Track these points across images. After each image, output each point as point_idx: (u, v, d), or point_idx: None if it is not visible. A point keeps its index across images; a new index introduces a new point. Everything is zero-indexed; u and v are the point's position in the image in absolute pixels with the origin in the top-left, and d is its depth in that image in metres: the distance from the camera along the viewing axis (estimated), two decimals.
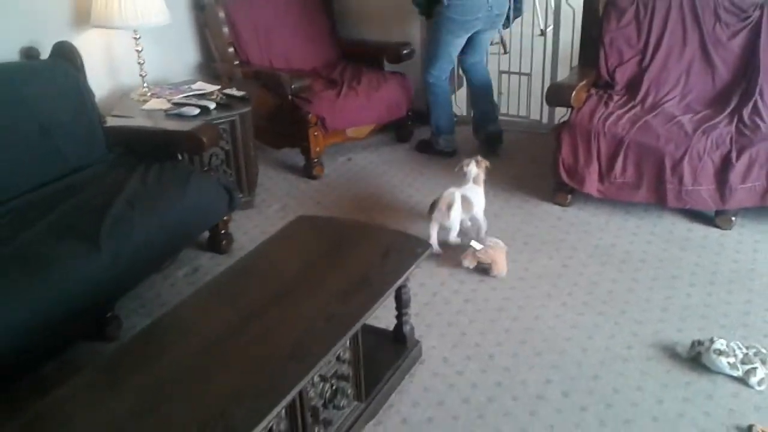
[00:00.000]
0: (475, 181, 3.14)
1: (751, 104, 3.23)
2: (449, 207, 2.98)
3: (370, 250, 2.26)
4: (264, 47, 4.09)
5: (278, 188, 3.78)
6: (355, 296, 2.00)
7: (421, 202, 3.54)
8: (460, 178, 3.16)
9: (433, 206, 3.02)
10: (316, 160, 3.85)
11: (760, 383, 2.21)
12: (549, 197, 3.49)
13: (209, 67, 4.07)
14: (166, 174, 2.76)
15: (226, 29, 3.92)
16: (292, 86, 3.65)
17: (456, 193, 3.02)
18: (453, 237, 3.09)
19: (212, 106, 3.28)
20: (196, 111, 3.22)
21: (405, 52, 4.23)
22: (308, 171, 3.88)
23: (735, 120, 3.16)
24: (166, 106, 3.28)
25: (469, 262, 2.92)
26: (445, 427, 2.11)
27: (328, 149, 3.94)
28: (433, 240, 2.99)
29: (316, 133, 3.75)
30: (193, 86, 3.56)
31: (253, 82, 3.81)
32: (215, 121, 3.16)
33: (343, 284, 2.06)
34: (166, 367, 1.75)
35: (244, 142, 3.33)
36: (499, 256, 2.88)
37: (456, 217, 3.02)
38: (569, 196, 3.42)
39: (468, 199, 3.07)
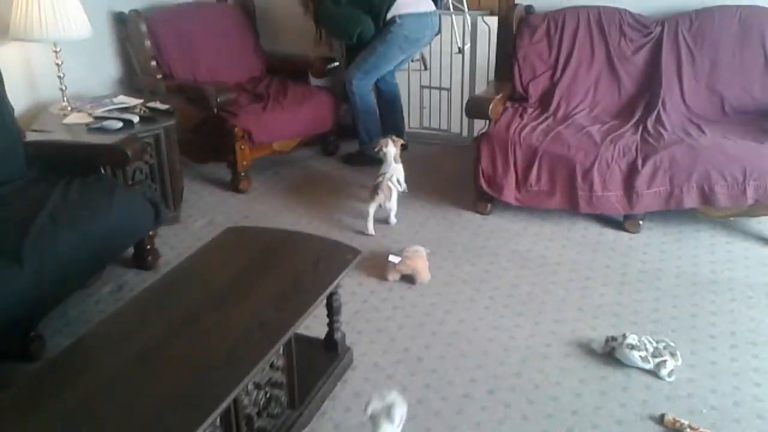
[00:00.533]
0: (395, 160, 3.56)
1: (654, 114, 3.47)
2: (390, 188, 3.37)
3: (301, 258, 2.30)
4: (188, 61, 4.08)
5: (204, 203, 3.77)
6: (288, 303, 2.03)
7: (349, 213, 3.62)
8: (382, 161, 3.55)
9: (376, 189, 3.35)
10: (243, 173, 3.86)
11: (670, 374, 2.36)
12: (470, 206, 3.62)
13: (131, 81, 4.02)
14: (90, 188, 2.72)
15: (148, 42, 3.89)
16: (218, 99, 3.66)
17: (392, 175, 3.44)
18: (393, 217, 3.47)
19: (136, 119, 3.25)
20: (120, 125, 3.18)
21: (330, 67, 4.31)
22: (235, 185, 3.88)
23: (640, 129, 3.39)
24: (88, 120, 3.23)
25: (392, 276, 2.99)
26: None
27: (254, 163, 3.96)
28: (370, 222, 3.36)
29: (242, 147, 3.77)
30: (115, 100, 3.51)
31: (177, 96, 3.78)
32: (139, 135, 3.14)
33: (275, 292, 2.09)
34: (96, 380, 1.73)
35: (169, 156, 3.31)
36: (419, 263, 2.97)
37: (395, 197, 3.42)
38: (489, 205, 3.57)
39: (398, 179, 3.52)
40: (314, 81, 4.38)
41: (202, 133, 3.82)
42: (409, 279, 2.98)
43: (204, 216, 3.61)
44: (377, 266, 3.08)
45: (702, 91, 3.57)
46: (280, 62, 4.45)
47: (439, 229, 3.45)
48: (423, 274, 2.97)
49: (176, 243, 3.30)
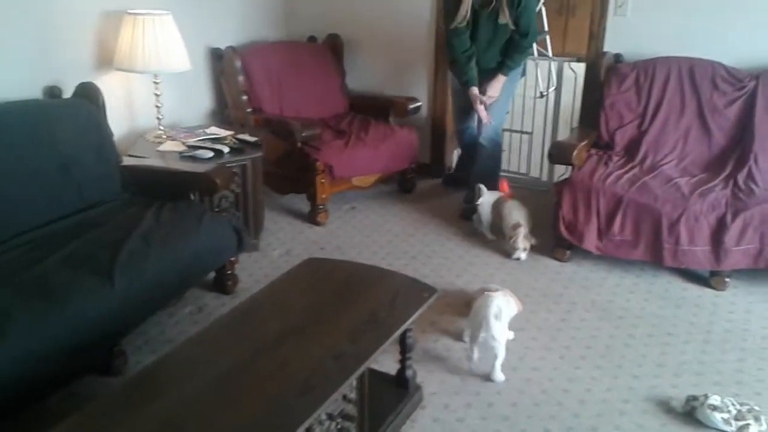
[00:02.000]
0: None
1: (746, 170, 3.35)
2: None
3: (379, 293, 2.32)
4: (276, 96, 4.23)
5: (283, 233, 3.86)
6: (364, 336, 2.05)
7: (422, 252, 3.63)
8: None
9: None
10: (321, 206, 3.94)
11: None
12: (548, 252, 3.57)
13: (222, 113, 4.20)
14: (180, 213, 2.83)
15: (241, 78, 4.06)
16: (302, 134, 3.77)
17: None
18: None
19: (225, 150, 3.38)
20: (210, 154, 3.32)
21: (412, 107, 4.38)
22: (313, 217, 3.96)
23: (730, 184, 3.28)
24: (181, 148, 3.39)
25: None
26: None
27: (333, 197, 4.03)
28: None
29: (322, 181, 3.86)
30: (207, 130, 3.67)
31: (264, 129, 3.93)
32: (228, 164, 3.26)
33: (352, 325, 2.11)
34: (177, 399, 1.78)
35: (254, 186, 3.42)
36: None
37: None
38: (568, 252, 3.50)
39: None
40: (394, 120, 4.44)
41: (285, 165, 3.93)
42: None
43: (282, 245, 3.69)
44: (451, 305, 3.07)
45: None
46: (364, 100, 4.56)
47: (515, 273, 3.41)
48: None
49: (254, 270, 3.38)
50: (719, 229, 3.09)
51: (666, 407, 2.43)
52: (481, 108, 3.85)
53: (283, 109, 4.25)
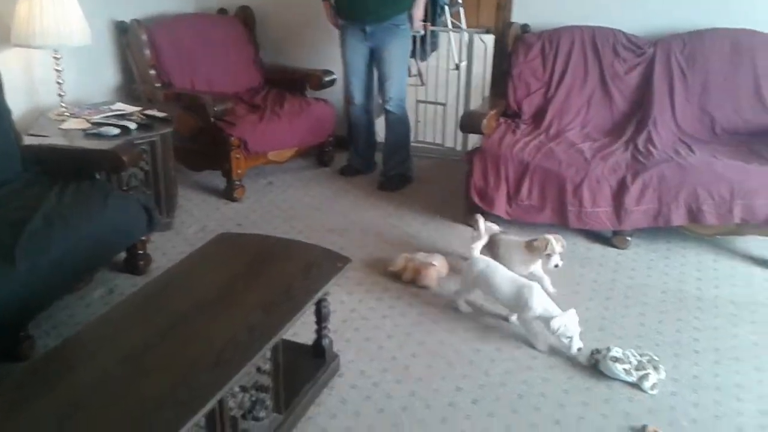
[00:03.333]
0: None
1: (645, 133, 3.52)
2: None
3: (292, 265, 2.33)
4: (186, 70, 4.13)
5: (198, 210, 3.80)
6: (277, 308, 2.06)
7: (341, 225, 3.65)
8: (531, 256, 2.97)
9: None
10: (237, 182, 3.90)
11: (652, 387, 2.39)
12: (463, 219, 3.66)
13: (129, 89, 4.07)
14: (84, 192, 2.75)
15: (147, 51, 3.94)
16: (215, 109, 3.70)
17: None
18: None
19: (133, 126, 3.29)
20: (116, 131, 3.22)
21: (327, 79, 4.36)
22: (229, 193, 3.92)
23: (630, 147, 3.44)
24: (85, 125, 3.27)
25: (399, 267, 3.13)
26: None
27: (249, 172, 4.00)
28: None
29: (237, 156, 3.81)
30: (113, 107, 3.55)
31: (175, 105, 3.83)
32: (135, 141, 3.17)
33: (265, 297, 2.12)
34: (82, 381, 1.75)
35: (165, 163, 3.35)
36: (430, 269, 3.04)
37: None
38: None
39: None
40: (311, 93, 4.42)
41: (198, 141, 3.86)
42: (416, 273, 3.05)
43: (197, 223, 3.64)
44: (370, 275, 3.11)
45: (693, 111, 3.63)
46: (279, 74, 4.51)
47: (430, 241, 3.49)
48: (428, 279, 3.02)
49: (168, 249, 3.33)
50: (620, 191, 3.24)
51: (572, 361, 2.56)
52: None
53: (195, 83, 4.15)
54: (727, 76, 3.60)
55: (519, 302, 2.64)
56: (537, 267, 2.99)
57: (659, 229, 3.33)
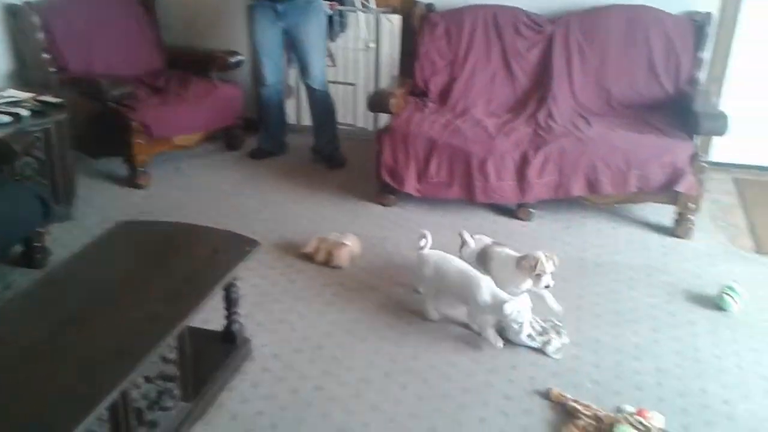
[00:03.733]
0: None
1: (545, 108, 3.64)
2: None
3: (197, 251, 2.29)
4: (83, 54, 3.95)
5: (100, 199, 3.67)
6: (181, 297, 2.02)
7: (252, 208, 3.61)
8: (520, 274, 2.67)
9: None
10: (141, 169, 3.78)
11: (556, 352, 2.50)
12: (374, 198, 3.69)
13: (22, 75, 3.86)
14: None
15: (40, 35, 3.75)
16: (113, 93, 3.57)
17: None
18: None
19: (25, 113, 3.12)
20: (8, 119, 3.05)
21: (233, 60, 4.27)
22: (133, 181, 3.80)
23: (532, 123, 3.55)
24: None
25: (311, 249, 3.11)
26: (275, 418, 2.19)
27: (155, 158, 3.88)
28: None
29: (140, 141, 3.69)
30: (4, 94, 3.35)
31: (71, 90, 3.67)
32: (28, 129, 3.02)
33: (169, 285, 2.07)
34: None
35: (61, 151, 3.20)
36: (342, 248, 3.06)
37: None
38: (392, 197, 3.64)
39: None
40: (217, 75, 4.32)
41: (97, 127, 3.71)
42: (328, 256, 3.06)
43: (99, 213, 3.51)
44: (282, 258, 3.10)
45: (590, 86, 3.77)
46: (182, 56, 4.37)
47: (343, 221, 3.50)
48: (341, 259, 3.03)
49: (69, 241, 3.19)
50: (523, 165, 3.34)
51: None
52: None
53: (92, 67, 3.97)
54: (622, 52, 3.75)
55: (468, 292, 2.53)
56: (531, 284, 2.65)
57: (561, 201, 3.46)
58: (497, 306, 2.46)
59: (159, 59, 4.33)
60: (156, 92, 3.96)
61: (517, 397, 2.29)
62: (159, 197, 3.72)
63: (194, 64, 4.30)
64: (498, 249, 2.79)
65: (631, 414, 2.12)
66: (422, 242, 2.78)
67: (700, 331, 2.64)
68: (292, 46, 4.08)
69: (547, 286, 2.61)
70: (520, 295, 2.51)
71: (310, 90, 4.11)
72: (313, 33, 3.95)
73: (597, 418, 2.12)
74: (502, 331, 2.58)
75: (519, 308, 2.44)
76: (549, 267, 2.59)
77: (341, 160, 4.20)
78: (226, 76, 4.30)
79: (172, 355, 2.02)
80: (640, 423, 2.07)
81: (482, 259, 2.80)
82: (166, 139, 3.87)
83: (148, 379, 1.92)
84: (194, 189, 3.85)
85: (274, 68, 4.09)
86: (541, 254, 2.59)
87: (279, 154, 4.31)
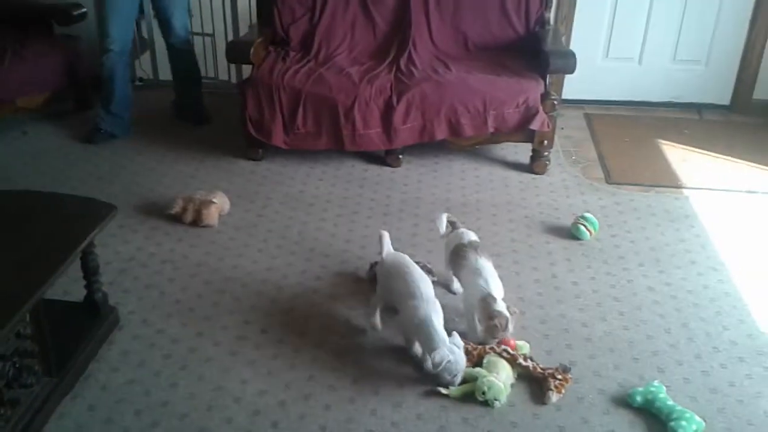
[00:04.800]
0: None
1: (406, 54, 3.65)
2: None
3: (48, 219, 2.15)
4: None
5: None
6: (32, 268, 1.90)
7: (110, 171, 3.43)
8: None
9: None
10: None
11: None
12: (242, 153, 3.60)
13: None
14: None
15: None
16: None
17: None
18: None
19: None
20: None
21: (77, 13, 3.95)
22: None
23: (394, 68, 3.56)
24: None
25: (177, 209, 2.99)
26: (148, 384, 2.14)
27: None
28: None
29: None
30: None
31: None
32: None
33: (18, 257, 1.94)
34: None
35: None
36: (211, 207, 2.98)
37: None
38: (260, 150, 3.57)
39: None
40: (59, 30, 3.99)
41: None
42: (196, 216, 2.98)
43: None
44: (144, 222, 2.98)
45: (447, 30, 3.82)
46: (17, 10, 4.00)
47: (210, 179, 3.40)
48: (210, 218, 2.96)
49: None
50: (387, 111, 3.37)
51: (354, 277, 2.68)
52: None
53: None
54: None
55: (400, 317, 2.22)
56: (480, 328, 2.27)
57: (427, 145, 3.53)
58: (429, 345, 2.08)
59: None
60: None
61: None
62: (4, 165, 3.44)
63: (32, 20, 3.95)
64: (471, 258, 2.38)
65: (498, 344, 2.23)
66: (381, 245, 2.42)
67: (557, 259, 2.82)
68: (153, 2, 3.80)
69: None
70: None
71: (172, 48, 3.88)
72: None
73: (466, 351, 2.21)
74: (375, 275, 2.62)
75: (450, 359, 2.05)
76: (509, 330, 2.20)
77: (206, 116, 4.05)
78: (69, 31, 3.98)
79: (28, 330, 1.90)
80: (506, 351, 2.19)
81: (454, 258, 2.47)
82: (8, 103, 3.57)
83: (2, 357, 1.80)
84: (43, 154, 3.58)
85: (123, 28, 3.68)
86: (509, 315, 2.19)
87: (123, 135, 3.80)
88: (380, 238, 2.46)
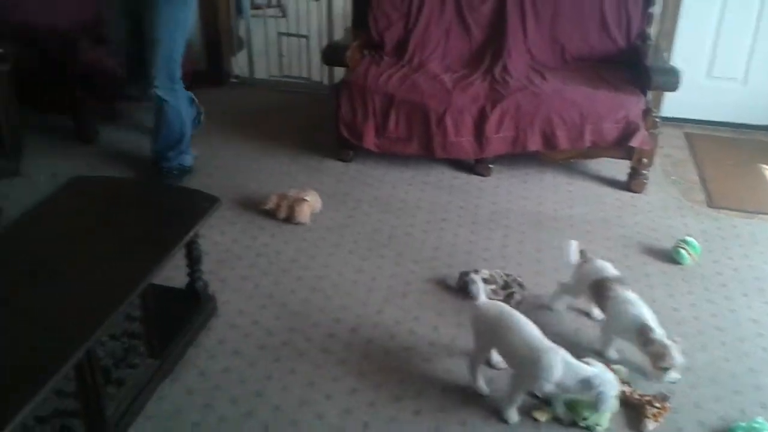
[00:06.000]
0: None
1: (501, 63, 3.63)
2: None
3: (157, 209, 2.24)
4: (22, 3, 3.71)
5: (49, 154, 3.52)
6: (142, 254, 1.98)
7: (208, 164, 3.53)
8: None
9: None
10: (88, 122, 3.63)
11: (518, 304, 2.55)
12: (333, 154, 3.65)
13: None
14: None
15: None
16: (53, 44, 3.38)
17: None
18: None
19: None
20: None
21: None
22: (81, 135, 3.65)
23: (488, 77, 3.55)
24: None
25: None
26: (242, 373, 2.19)
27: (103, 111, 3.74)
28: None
29: (84, 95, 3.53)
30: None
31: (13, 42, 3.46)
32: None
33: (129, 243, 2.02)
34: None
35: (4, 104, 3.05)
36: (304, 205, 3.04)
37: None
38: (351, 152, 3.61)
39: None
40: None
41: (41, 79, 3.53)
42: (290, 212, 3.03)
43: (48, 168, 3.37)
44: (243, 215, 3.06)
45: (544, 40, 3.77)
46: None
47: (301, 177, 3.46)
48: (302, 215, 3.01)
49: (18, 197, 3.06)
50: (480, 120, 3.35)
51: (443, 285, 2.67)
52: None
53: (32, 16, 3.75)
54: (574, 6, 3.74)
55: (533, 371, 1.96)
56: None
57: (518, 156, 3.49)
58: (578, 386, 1.92)
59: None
60: (102, 42, 3.77)
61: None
62: (109, 152, 3.59)
63: None
64: (619, 290, 2.25)
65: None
66: (474, 288, 2.19)
67: (656, 283, 2.73)
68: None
69: (674, 383, 2.12)
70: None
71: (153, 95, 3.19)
72: (162, 23, 3.04)
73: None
74: (465, 286, 2.59)
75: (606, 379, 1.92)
76: (678, 359, 2.07)
77: (185, 171, 3.37)
78: None
79: (137, 313, 1.98)
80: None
81: (596, 293, 2.32)
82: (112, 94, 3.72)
83: (113, 337, 1.88)
84: (142, 144, 3.72)
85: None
86: (670, 343, 2.08)
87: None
88: (568, 248, 2.35)
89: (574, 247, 2.45)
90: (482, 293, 2.18)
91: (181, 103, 3.26)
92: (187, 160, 3.39)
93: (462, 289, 2.62)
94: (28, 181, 3.22)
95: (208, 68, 4.49)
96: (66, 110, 3.61)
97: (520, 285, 2.63)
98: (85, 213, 2.21)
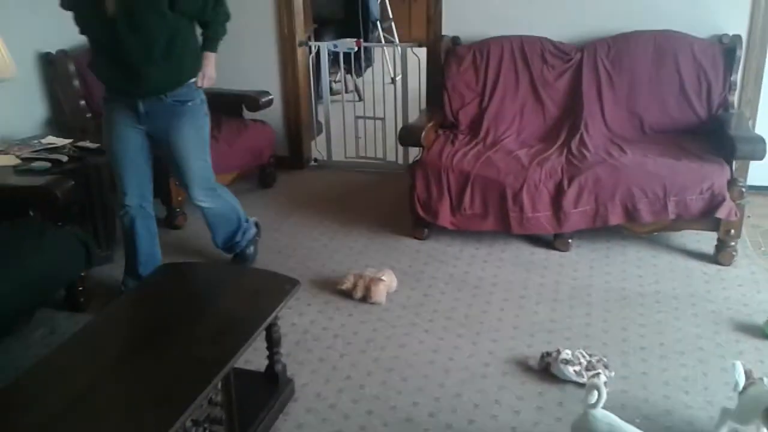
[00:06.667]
0: None
1: (578, 137, 3.62)
2: None
3: (238, 292, 2.31)
4: None
5: None
6: (225, 338, 2.03)
7: (287, 246, 3.63)
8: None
9: None
10: (177, 209, 3.83)
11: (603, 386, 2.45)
12: (408, 232, 3.68)
13: (59, 122, 3.95)
14: (18, 231, 2.66)
15: (77, 82, 3.84)
16: None
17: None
18: None
19: (64, 159, 3.20)
20: (48, 165, 3.12)
21: (264, 100, 4.33)
22: (170, 221, 3.84)
23: (565, 152, 3.53)
24: (15, 161, 3.16)
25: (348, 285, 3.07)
26: None
27: (188, 199, 3.92)
28: None
29: (176, 183, 3.73)
30: (43, 141, 3.45)
31: None
32: (68, 175, 3.08)
33: (212, 327, 2.09)
34: (28, 427, 1.69)
35: (100, 196, 3.27)
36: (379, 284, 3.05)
37: None
38: (426, 230, 3.63)
39: None
40: (248, 115, 4.39)
41: None
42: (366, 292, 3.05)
43: None
44: (319, 295, 3.10)
45: (622, 112, 3.75)
46: (213, 97, 4.43)
47: (377, 256, 3.49)
48: (378, 295, 3.03)
49: (111, 283, 3.23)
50: (558, 195, 3.32)
51: (524, 366, 2.60)
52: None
53: None
54: (652, 77, 3.73)
55: None
56: None
57: (599, 230, 3.42)
58: None
59: None
60: None
61: None
62: (196, 237, 3.75)
63: (225, 105, 4.36)
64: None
65: None
66: (592, 397, 1.98)
67: (749, 361, 2.55)
68: (165, 157, 3.08)
69: None
70: None
71: (199, 207, 3.23)
72: (188, 137, 3.00)
73: None
74: (547, 367, 2.54)
75: None
76: None
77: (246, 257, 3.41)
78: (257, 116, 4.36)
79: (219, 398, 2.01)
80: None
81: None
82: None
83: (195, 423, 1.92)
84: None
85: (138, 184, 3.01)
86: None
87: None
88: (734, 371, 2.11)
89: (740, 369, 2.15)
90: (602, 399, 1.95)
91: (223, 194, 3.28)
92: (251, 230, 3.42)
93: (544, 370, 2.54)
94: (119, 267, 3.36)
95: (291, 153, 4.68)
96: (158, 195, 3.81)
97: (606, 366, 2.52)
98: (173, 298, 2.30)
